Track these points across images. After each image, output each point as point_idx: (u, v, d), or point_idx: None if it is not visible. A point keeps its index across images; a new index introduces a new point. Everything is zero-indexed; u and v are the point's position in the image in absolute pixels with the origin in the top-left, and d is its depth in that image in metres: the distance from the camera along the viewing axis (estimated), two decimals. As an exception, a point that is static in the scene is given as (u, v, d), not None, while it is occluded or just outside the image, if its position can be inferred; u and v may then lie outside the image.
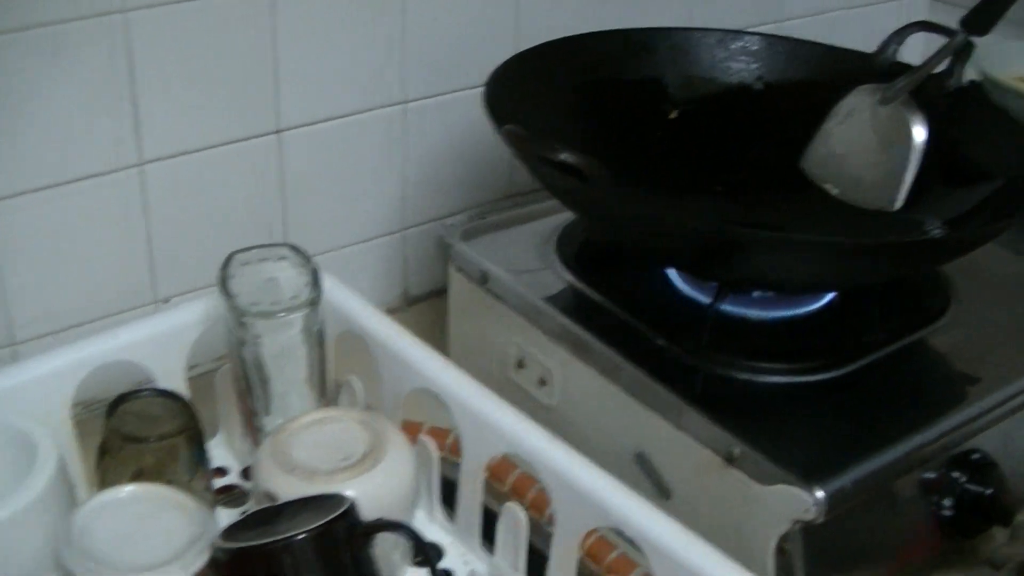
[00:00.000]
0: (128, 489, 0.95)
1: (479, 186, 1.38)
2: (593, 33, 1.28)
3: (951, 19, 1.49)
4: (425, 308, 1.38)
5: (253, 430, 1.07)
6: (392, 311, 1.36)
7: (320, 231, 1.30)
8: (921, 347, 1.12)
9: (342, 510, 0.88)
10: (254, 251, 1.06)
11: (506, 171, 1.38)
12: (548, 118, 1.18)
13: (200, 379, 1.12)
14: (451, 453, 1.05)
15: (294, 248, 1.06)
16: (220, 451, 1.12)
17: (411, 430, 1.06)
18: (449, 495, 1.05)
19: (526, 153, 1.06)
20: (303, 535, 0.86)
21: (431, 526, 1.06)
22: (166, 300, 1.22)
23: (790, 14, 1.59)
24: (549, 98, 1.20)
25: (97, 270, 1.18)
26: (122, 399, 1.01)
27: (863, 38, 1.30)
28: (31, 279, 1.15)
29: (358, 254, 1.34)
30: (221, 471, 1.11)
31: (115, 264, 1.19)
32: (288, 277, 1.05)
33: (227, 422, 1.13)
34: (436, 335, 1.28)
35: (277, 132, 1.23)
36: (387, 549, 0.95)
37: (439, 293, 1.37)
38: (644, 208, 1.08)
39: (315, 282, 1.04)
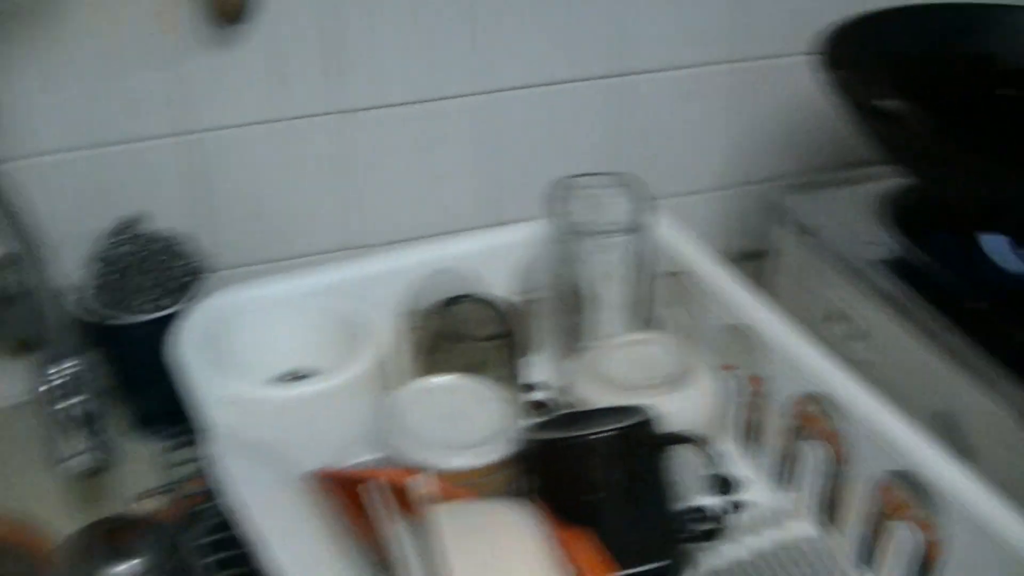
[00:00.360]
0: (447, 378, 1.01)
1: (811, 152, 1.38)
2: (935, 4, 1.27)
3: None
4: (755, 266, 1.39)
5: (572, 348, 1.11)
6: (722, 264, 1.39)
7: (654, 178, 1.32)
8: None
9: (642, 418, 0.92)
10: (589, 177, 1.11)
11: (839, 138, 1.39)
12: (882, 77, 1.18)
13: (530, 303, 1.17)
14: (757, 394, 1.07)
15: (628, 177, 1.10)
16: (540, 367, 1.17)
17: (731, 369, 1.09)
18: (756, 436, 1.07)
19: (847, 97, 1.07)
20: (603, 433, 0.91)
21: (737, 461, 1.08)
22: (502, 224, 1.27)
23: None
24: (885, 61, 1.21)
25: (444, 189, 1.25)
26: (451, 301, 1.08)
27: None
28: (376, 188, 1.23)
29: (690, 204, 1.37)
30: (537, 386, 1.15)
31: (461, 184, 1.26)
32: (618, 204, 1.09)
33: (549, 340, 1.17)
34: (764, 290, 1.31)
35: (615, 76, 1.27)
36: (685, 476, 0.97)
37: (765, 253, 1.39)
38: (970, 159, 1.08)
39: (643, 210, 1.07)
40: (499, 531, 0.80)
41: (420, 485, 0.78)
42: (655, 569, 0.89)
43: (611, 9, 1.24)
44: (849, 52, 1.13)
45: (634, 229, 1.08)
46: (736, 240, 1.40)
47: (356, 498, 0.81)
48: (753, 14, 1.31)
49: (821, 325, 1.17)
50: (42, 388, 0.96)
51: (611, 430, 0.90)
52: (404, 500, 0.79)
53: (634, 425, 0.91)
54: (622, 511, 0.90)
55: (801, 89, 1.28)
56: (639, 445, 0.92)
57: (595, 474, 0.90)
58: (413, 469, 0.89)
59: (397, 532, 0.76)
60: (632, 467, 0.91)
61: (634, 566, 0.88)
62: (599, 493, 0.90)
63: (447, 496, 0.82)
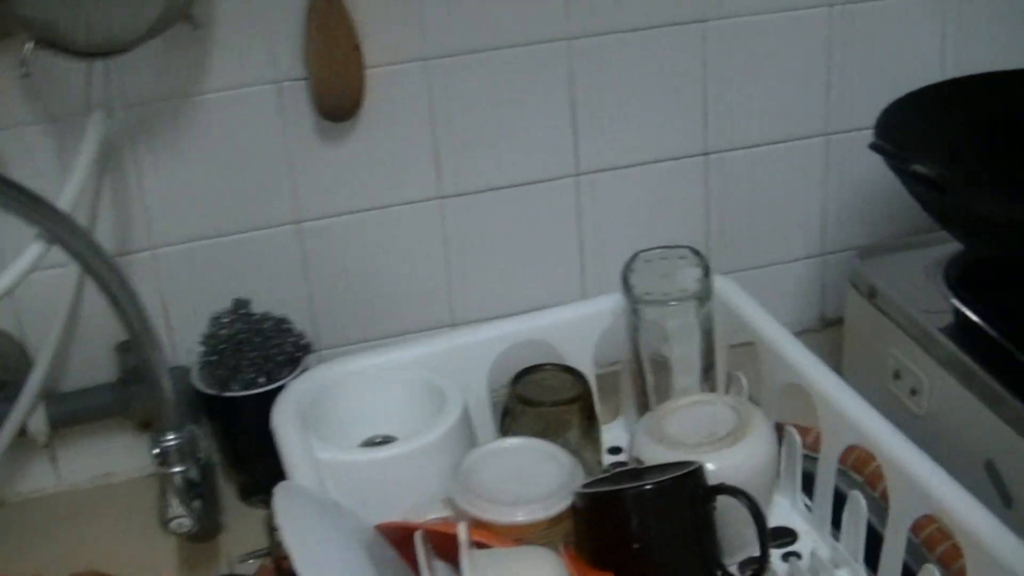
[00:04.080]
0: (518, 440, 1.10)
1: (895, 221, 1.44)
2: (1007, 71, 1.33)
3: None
4: (836, 331, 1.45)
5: (644, 412, 1.19)
6: (806, 331, 1.46)
7: (743, 249, 1.42)
8: None
9: (689, 470, 1.00)
10: (657, 251, 1.19)
11: (912, 206, 1.44)
12: (939, 144, 1.24)
13: (611, 376, 1.27)
14: (813, 449, 1.13)
15: (693, 250, 1.18)
16: (618, 432, 1.26)
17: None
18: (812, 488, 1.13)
19: (890, 162, 1.14)
20: (649, 485, 0.98)
21: (792, 512, 1.14)
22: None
23: None
24: (947, 127, 1.26)
25: (533, 267, 1.35)
26: (528, 371, 1.17)
27: None
28: (474, 267, 1.33)
29: (778, 274, 1.44)
30: (617, 450, 1.24)
31: (549, 262, 1.36)
32: (684, 275, 1.17)
33: (626, 407, 1.25)
34: (839, 355, 1.37)
35: (705, 154, 1.35)
36: (740, 528, 1.04)
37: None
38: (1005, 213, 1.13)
39: (705, 277, 1.15)
40: (524, 572, 0.89)
41: (458, 532, 0.87)
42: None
43: (707, 88, 1.33)
44: (900, 123, 1.20)
45: (701, 298, 1.15)
46: (818, 308, 1.48)
47: (411, 548, 0.90)
48: (847, 87, 1.38)
49: (890, 383, 1.23)
50: (155, 452, 1.08)
51: (656, 482, 0.98)
52: (447, 548, 0.88)
53: (680, 477, 0.99)
54: (664, 561, 0.98)
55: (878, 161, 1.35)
56: (685, 497, 0.99)
57: (637, 525, 0.98)
58: (475, 523, 0.98)
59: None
60: (678, 517, 0.99)
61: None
62: (640, 543, 0.98)
63: (484, 544, 0.91)
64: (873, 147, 1.14)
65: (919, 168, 1.07)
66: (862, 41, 1.37)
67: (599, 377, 1.23)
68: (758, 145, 1.38)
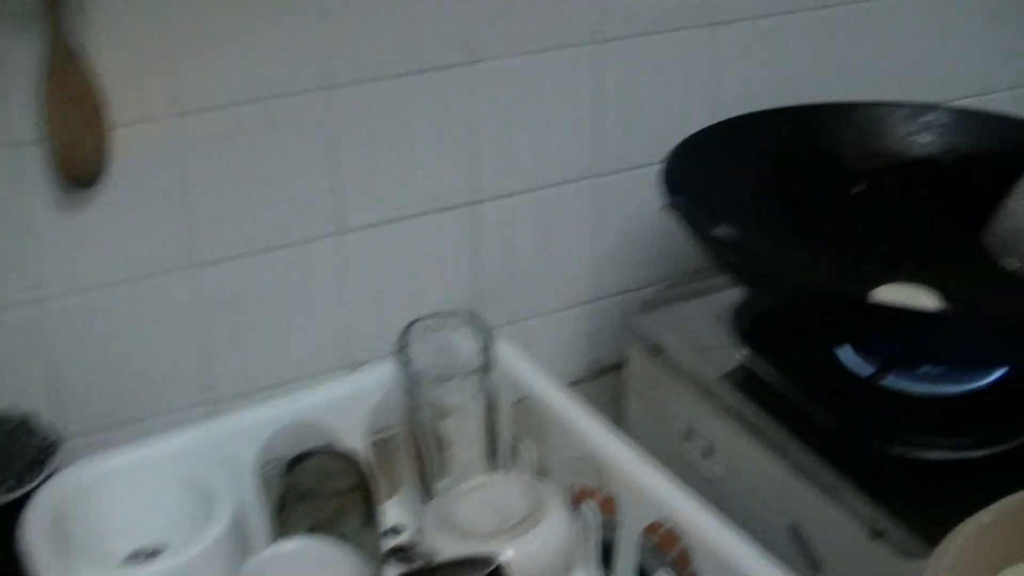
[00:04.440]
0: (296, 542, 1.01)
1: (670, 260, 1.40)
2: (781, 109, 1.30)
3: None
4: (614, 379, 1.40)
5: (427, 492, 1.12)
6: (578, 381, 1.40)
7: (515, 300, 1.34)
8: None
9: (489, 570, 0.93)
10: (433, 319, 1.12)
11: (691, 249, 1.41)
12: (728, 193, 1.20)
13: (385, 443, 1.18)
14: (610, 522, 1.07)
15: (472, 316, 1.11)
16: (397, 511, 1.18)
17: (585, 495, 1.09)
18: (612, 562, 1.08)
19: (687, 226, 1.09)
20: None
21: (594, 591, 1.09)
22: (359, 365, 1.27)
23: (996, 87, 1.57)
24: (732, 173, 1.23)
25: (295, 333, 1.25)
26: (300, 457, 1.08)
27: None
28: (232, 338, 1.23)
29: (550, 323, 1.38)
30: (397, 531, 1.16)
31: (312, 328, 1.26)
32: (464, 344, 1.10)
33: (405, 484, 1.17)
34: (619, 405, 1.32)
35: (475, 203, 1.28)
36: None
37: (623, 365, 1.40)
38: (803, 279, 1.10)
39: (489, 350, 1.08)
40: None
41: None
42: None
43: (473, 134, 1.26)
44: (691, 176, 1.16)
45: (481, 368, 1.08)
46: (594, 355, 1.42)
47: None
48: (605, 129, 1.33)
49: (679, 444, 1.18)
50: None
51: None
52: None
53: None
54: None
55: (649, 200, 1.30)
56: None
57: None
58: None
59: None
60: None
61: None
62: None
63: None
64: (668, 209, 1.08)
65: (720, 233, 1.01)
66: (628, 80, 1.32)
67: (374, 443, 1.16)
68: (526, 191, 1.31)
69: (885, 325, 1.06)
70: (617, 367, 1.38)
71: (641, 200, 1.35)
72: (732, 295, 1.25)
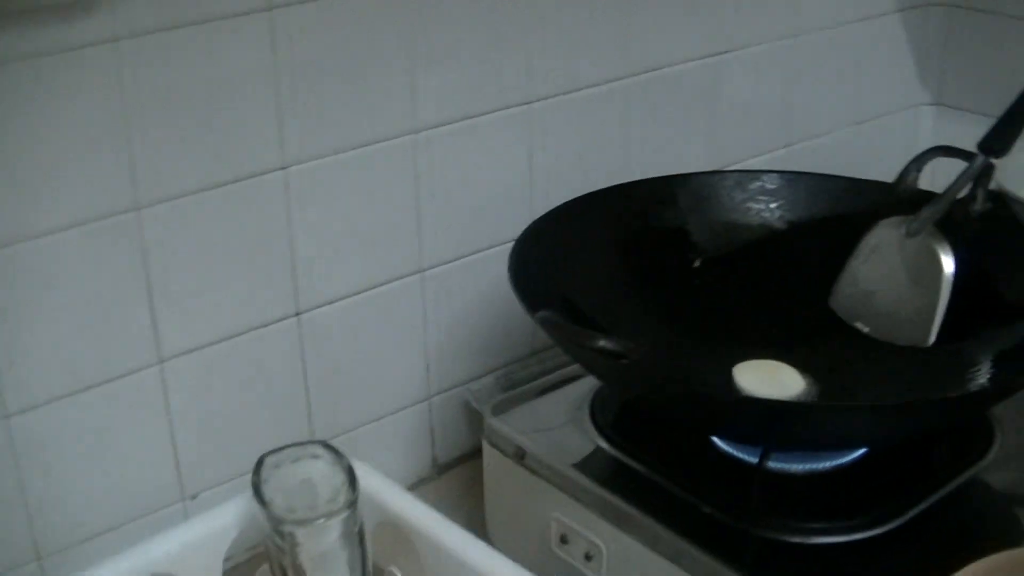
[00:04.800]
0: None
1: (504, 346, 1.36)
2: (615, 187, 1.26)
3: (959, 129, 1.50)
4: (458, 474, 1.35)
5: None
6: (423, 481, 1.34)
7: (346, 408, 1.27)
8: (973, 487, 1.08)
9: None
10: (286, 451, 1.03)
11: (530, 328, 1.36)
12: (578, 282, 1.16)
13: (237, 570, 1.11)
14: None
15: (327, 446, 1.03)
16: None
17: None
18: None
19: (563, 340, 1.04)
20: None
21: None
22: (194, 497, 1.19)
23: (802, 136, 1.57)
24: (577, 260, 1.18)
25: (121, 474, 1.15)
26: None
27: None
28: (54, 488, 1.12)
29: (385, 427, 1.31)
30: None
31: (139, 466, 1.16)
32: (323, 477, 1.02)
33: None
34: (470, 503, 1.26)
35: (297, 315, 1.20)
36: None
37: (470, 456, 1.35)
38: (689, 387, 1.06)
39: (352, 482, 1.01)
40: None
41: None
42: None
43: (293, 244, 1.18)
44: (537, 273, 1.11)
45: (344, 507, 1.01)
46: (446, 450, 1.37)
47: None
48: (427, 222, 1.27)
49: (558, 546, 1.12)
50: None
51: None
52: None
53: None
54: None
55: (492, 282, 1.26)
56: None
57: None
58: None
59: None
60: None
61: None
62: None
63: None
64: (542, 324, 1.02)
65: (605, 345, 0.95)
66: (447, 169, 1.26)
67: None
68: (350, 295, 1.24)
69: (747, 418, 1.03)
70: (459, 462, 1.34)
71: (472, 290, 1.30)
72: (584, 385, 1.20)
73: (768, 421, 1.00)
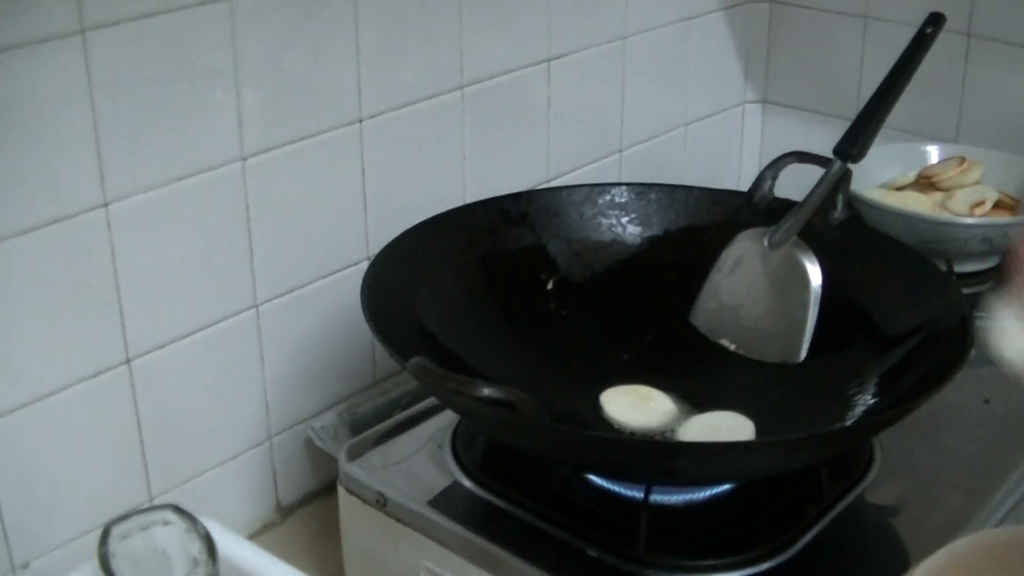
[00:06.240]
0: None
1: (344, 378, 1.28)
2: (462, 207, 1.20)
3: (785, 126, 1.48)
4: (303, 516, 1.27)
5: None
6: (267, 527, 1.26)
7: (184, 457, 1.18)
8: (859, 507, 1.05)
9: None
10: (133, 519, 0.94)
11: (370, 358, 1.29)
12: (433, 311, 1.09)
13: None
14: None
15: (178, 510, 0.95)
16: None
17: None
18: None
19: (440, 389, 0.96)
20: None
21: None
22: (25, 566, 1.09)
23: (633, 140, 1.53)
24: (428, 288, 1.11)
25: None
26: None
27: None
28: None
29: (226, 473, 1.22)
30: None
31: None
32: (177, 545, 0.93)
33: None
34: (320, 547, 1.19)
35: (127, 362, 1.11)
36: None
37: (316, 496, 1.27)
38: (579, 439, 0.99)
39: (211, 551, 0.92)
40: None
41: None
42: None
43: (119, 285, 1.08)
44: (392, 305, 1.04)
45: (212, 571, 0.93)
46: (289, 491, 1.29)
47: None
48: (258, 256, 1.19)
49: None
50: None
51: None
52: None
53: None
54: None
55: (328, 313, 1.20)
56: None
57: None
58: None
59: None
60: None
61: None
62: None
63: None
64: (415, 372, 0.93)
65: (491, 394, 0.88)
66: (272, 197, 1.18)
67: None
68: (182, 337, 1.15)
69: (637, 459, 0.98)
70: (303, 503, 1.29)
71: (309, 322, 1.22)
72: (444, 417, 1.13)
73: (657, 461, 0.95)
